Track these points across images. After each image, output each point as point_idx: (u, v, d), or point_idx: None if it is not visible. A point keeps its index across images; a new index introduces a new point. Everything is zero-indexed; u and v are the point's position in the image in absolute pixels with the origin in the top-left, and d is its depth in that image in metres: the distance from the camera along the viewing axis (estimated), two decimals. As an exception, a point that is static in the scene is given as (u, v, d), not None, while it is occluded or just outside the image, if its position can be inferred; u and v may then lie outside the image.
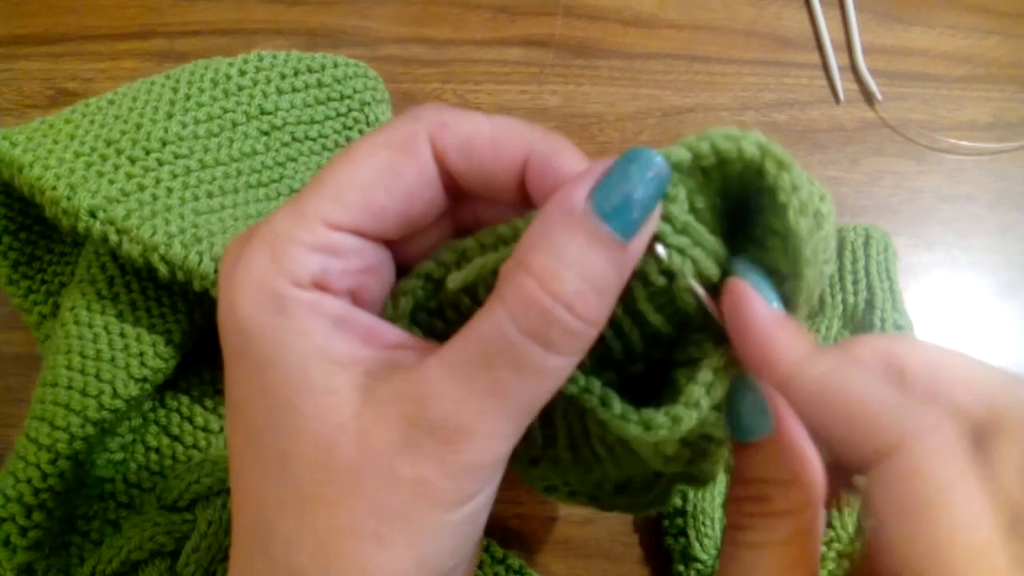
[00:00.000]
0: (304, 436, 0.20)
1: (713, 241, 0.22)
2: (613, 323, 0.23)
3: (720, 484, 0.40)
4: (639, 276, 0.22)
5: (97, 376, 0.36)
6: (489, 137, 0.21)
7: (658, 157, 0.19)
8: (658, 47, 0.52)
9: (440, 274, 0.24)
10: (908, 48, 0.52)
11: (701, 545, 0.39)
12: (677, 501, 0.40)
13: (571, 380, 0.23)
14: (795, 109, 0.51)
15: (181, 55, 0.51)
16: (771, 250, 0.21)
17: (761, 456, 0.23)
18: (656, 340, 0.24)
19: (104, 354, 0.37)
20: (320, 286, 0.21)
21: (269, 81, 0.43)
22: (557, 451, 0.26)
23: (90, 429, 0.35)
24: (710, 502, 0.40)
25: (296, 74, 0.44)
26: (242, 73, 0.42)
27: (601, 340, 0.23)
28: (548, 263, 0.19)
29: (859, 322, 0.43)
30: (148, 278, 0.39)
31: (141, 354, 0.37)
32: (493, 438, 0.20)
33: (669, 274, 0.21)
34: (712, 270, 0.22)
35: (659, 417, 0.22)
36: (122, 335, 0.38)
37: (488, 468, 0.20)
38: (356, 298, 0.22)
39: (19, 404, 0.44)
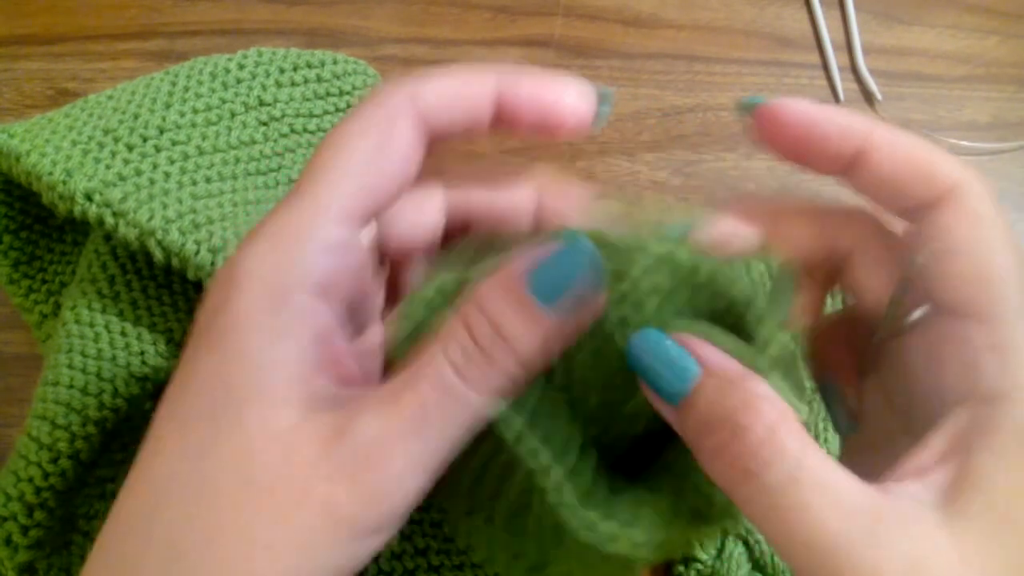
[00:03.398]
0: (237, 437, 0.20)
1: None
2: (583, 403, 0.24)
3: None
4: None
5: (98, 375, 0.36)
6: (460, 84, 0.23)
7: (587, 250, 0.21)
8: (658, 47, 0.52)
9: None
10: (908, 48, 0.52)
11: (701, 545, 0.39)
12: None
13: (534, 455, 0.23)
14: (795, 109, 0.51)
15: (181, 55, 0.51)
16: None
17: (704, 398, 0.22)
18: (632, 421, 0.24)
19: (105, 353, 0.37)
20: (326, 289, 0.22)
21: (268, 75, 0.43)
22: (500, 504, 0.25)
23: (91, 428, 0.35)
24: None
25: (295, 69, 0.44)
26: (241, 67, 0.43)
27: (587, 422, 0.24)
28: (476, 316, 0.21)
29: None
30: (149, 277, 0.39)
31: (142, 353, 0.37)
32: (410, 466, 0.20)
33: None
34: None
35: (603, 526, 0.22)
36: (123, 334, 0.38)
37: (398, 500, 0.21)
38: (351, 296, 0.23)
39: (20, 404, 0.44)
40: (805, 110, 0.24)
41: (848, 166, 0.24)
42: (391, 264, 0.27)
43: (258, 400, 0.21)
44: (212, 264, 0.34)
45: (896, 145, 0.23)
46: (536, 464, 0.22)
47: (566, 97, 0.23)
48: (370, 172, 0.22)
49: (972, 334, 0.21)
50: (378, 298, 0.26)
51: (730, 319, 0.23)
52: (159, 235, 0.35)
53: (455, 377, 0.20)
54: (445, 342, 0.21)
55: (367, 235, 0.24)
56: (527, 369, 0.21)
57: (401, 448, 0.20)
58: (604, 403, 0.24)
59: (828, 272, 0.26)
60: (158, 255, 0.35)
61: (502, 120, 0.23)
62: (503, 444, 0.23)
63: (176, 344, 0.38)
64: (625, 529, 0.22)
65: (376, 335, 0.26)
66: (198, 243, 0.35)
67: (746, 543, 0.39)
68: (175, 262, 0.35)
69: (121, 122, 0.38)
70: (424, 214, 0.25)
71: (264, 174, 0.42)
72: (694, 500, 0.23)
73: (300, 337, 0.21)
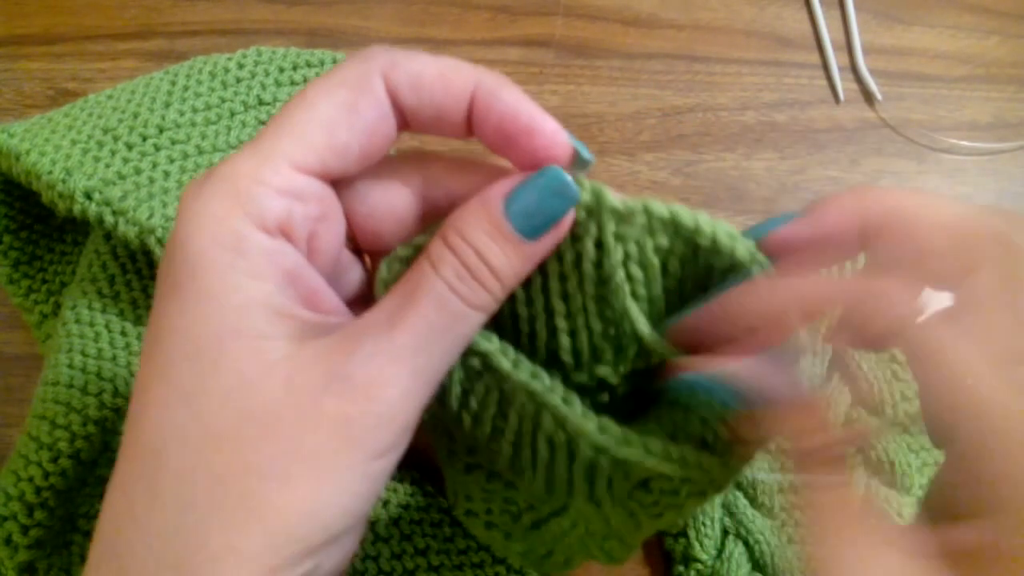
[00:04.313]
0: (225, 374, 0.20)
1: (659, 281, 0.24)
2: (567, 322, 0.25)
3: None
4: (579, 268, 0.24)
5: (98, 374, 0.36)
6: (437, 74, 0.22)
7: (566, 179, 0.22)
8: (658, 47, 0.52)
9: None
10: (908, 48, 0.52)
11: (701, 545, 0.39)
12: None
13: (536, 377, 0.24)
14: (795, 109, 0.51)
15: (181, 55, 0.51)
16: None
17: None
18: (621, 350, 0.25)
19: (105, 352, 0.37)
20: (284, 232, 0.21)
21: (267, 74, 0.43)
22: (500, 444, 0.26)
23: (91, 427, 0.35)
24: (711, 503, 0.40)
25: (295, 68, 0.44)
26: (240, 66, 0.43)
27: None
28: (460, 244, 0.22)
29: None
30: (149, 276, 0.39)
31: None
32: (417, 382, 0.21)
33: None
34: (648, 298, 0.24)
35: (614, 427, 0.23)
36: (123, 333, 0.38)
37: (409, 415, 0.21)
38: (311, 245, 0.23)
39: (20, 404, 0.44)
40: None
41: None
42: (371, 259, 0.27)
43: (240, 336, 0.20)
44: None
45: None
46: (538, 385, 0.24)
47: (546, 121, 0.22)
48: (337, 127, 0.22)
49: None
50: (354, 285, 0.26)
51: (735, 278, 0.23)
52: (159, 233, 0.35)
53: (451, 294, 0.21)
54: (436, 265, 0.22)
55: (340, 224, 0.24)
56: (508, 288, 0.23)
57: (409, 365, 0.21)
58: (596, 348, 0.25)
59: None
60: (158, 252, 0.35)
61: (474, 121, 0.23)
62: (498, 378, 0.24)
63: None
64: (638, 435, 0.23)
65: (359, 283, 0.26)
66: None
67: (746, 543, 0.39)
68: None
69: (121, 121, 0.38)
70: (398, 196, 0.25)
71: (264, 173, 0.42)
72: (700, 430, 0.24)
73: (269, 276, 0.21)
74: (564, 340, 0.25)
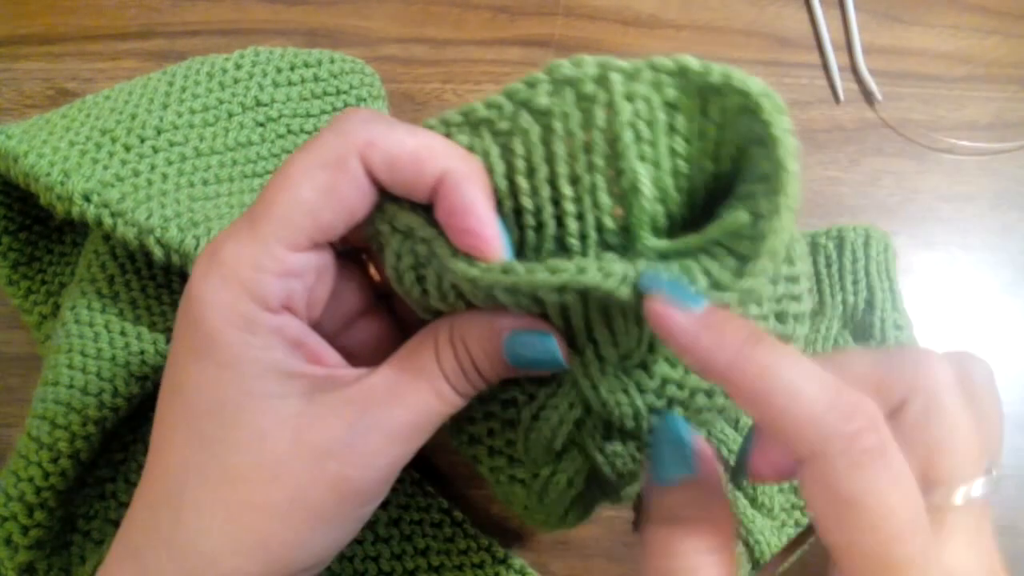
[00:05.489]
0: (243, 427, 0.24)
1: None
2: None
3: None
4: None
5: (98, 375, 0.36)
6: (411, 157, 0.24)
7: (557, 356, 0.26)
8: (658, 47, 0.52)
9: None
10: (908, 48, 0.52)
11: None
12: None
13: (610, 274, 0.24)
14: (795, 109, 0.51)
15: (181, 55, 0.51)
16: (749, 190, 0.23)
17: (679, 495, 0.24)
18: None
19: (105, 353, 0.37)
20: (286, 306, 0.25)
21: (265, 74, 0.43)
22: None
23: (91, 428, 0.35)
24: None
25: (292, 68, 0.44)
26: (238, 67, 0.42)
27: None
28: (462, 350, 0.26)
29: (859, 322, 0.43)
30: (148, 276, 0.39)
31: (142, 352, 0.37)
32: (410, 450, 0.26)
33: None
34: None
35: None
36: (123, 333, 0.38)
37: (395, 474, 0.26)
38: (310, 303, 0.26)
39: (20, 404, 0.44)
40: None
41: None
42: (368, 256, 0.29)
43: (256, 396, 0.24)
44: None
45: None
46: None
47: (485, 228, 0.24)
48: (320, 210, 0.24)
49: None
50: (354, 295, 0.29)
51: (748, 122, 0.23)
52: (158, 233, 0.35)
53: (446, 384, 0.26)
54: (440, 356, 0.26)
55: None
56: (491, 384, 0.27)
57: (404, 442, 0.25)
58: (604, 229, 0.25)
59: None
60: (157, 253, 0.35)
61: (434, 196, 0.24)
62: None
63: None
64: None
65: (361, 330, 0.29)
66: (197, 238, 0.35)
67: (746, 543, 0.39)
68: (175, 259, 0.35)
69: (119, 123, 0.38)
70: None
71: (260, 176, 0.42)
72: None
73: (278, 346, 0.24)
74: (572, 224, 0.25)
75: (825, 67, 0.52)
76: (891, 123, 0.50)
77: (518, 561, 0.40)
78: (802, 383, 0.20)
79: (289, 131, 0.43)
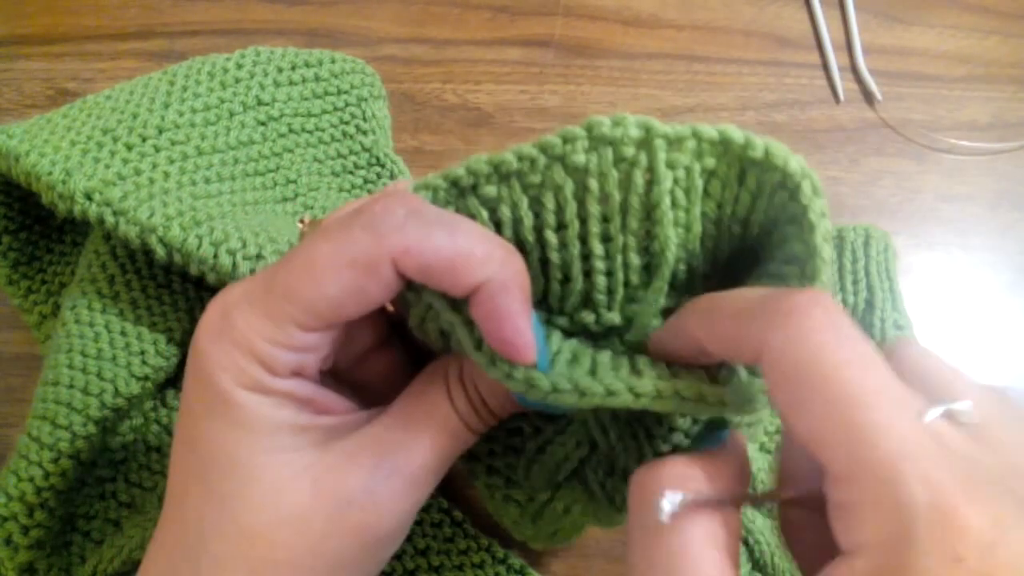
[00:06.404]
0: (259, 483, 0.24)
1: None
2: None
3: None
4: None
5: (98, 375, 0.36)
6: (448, 266, 0.23)
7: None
8: (658, 47, 0.52)
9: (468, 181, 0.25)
10: (908, 48, 0.52)
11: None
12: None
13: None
14: (795, 109, 0.51)
15: (181, 55, 0.51)
16: (781, 271, 0.23)
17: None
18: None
19: (105, 352, 0.37)
20: (297, 373, 0.25)
21: (266, 74, 0.43)
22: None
23: (92, 428, 0.35)
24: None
25: (293, 68, 0.44)
26: (239, 67, 0.43)
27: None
28: (471, 386, 0.26)
29: (859, 322, 0.43)
30: (148, 276, 0.39)
31: (142, 352, 0.37)
32: (427, 493, 0.26)
33: None
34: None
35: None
36: (123, 333, 0.38)
37: (413, 516, 0.26)
38: (323, 357, 0.26)
39: (20, 404, 0.44)
40: None
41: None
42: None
43: (270, 452, 0.24)
44: (215, 258, 0.34)
45: None
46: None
47: (519, 336, 0.23)
48: (344, 306, 0.23)
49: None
50: (368, 334, 0.28)
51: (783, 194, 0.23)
52: (160, 231, 0.34)
53: (460, 422, 0.26)
54: (452, 395, 0.26)
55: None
56: (502, 418, 0.27)
57: (421, 486, 0.26)
58: (631, 285, 0.25)
59: None
60: (160, 252, 0.35)
61: (471, 299, 0.23)
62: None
63: (176, 343, 0.38)
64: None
65: (375, 362, 0.29)
66: (200, 237, 0.35)
67: (746, 543, 0.39)
68: (177, 258, 0.35)
69: (120, 122, 0.38)
70: None
71: (262, 175, 0.42)
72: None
73: (289, 404, 0.24)
74: (600, 281, 0.25)
75: (825, 67, 0.52)
76: (891, 123, 0.50)
77: (518, 561, 0.40)
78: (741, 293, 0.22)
79: (290, 130, 0.43)
